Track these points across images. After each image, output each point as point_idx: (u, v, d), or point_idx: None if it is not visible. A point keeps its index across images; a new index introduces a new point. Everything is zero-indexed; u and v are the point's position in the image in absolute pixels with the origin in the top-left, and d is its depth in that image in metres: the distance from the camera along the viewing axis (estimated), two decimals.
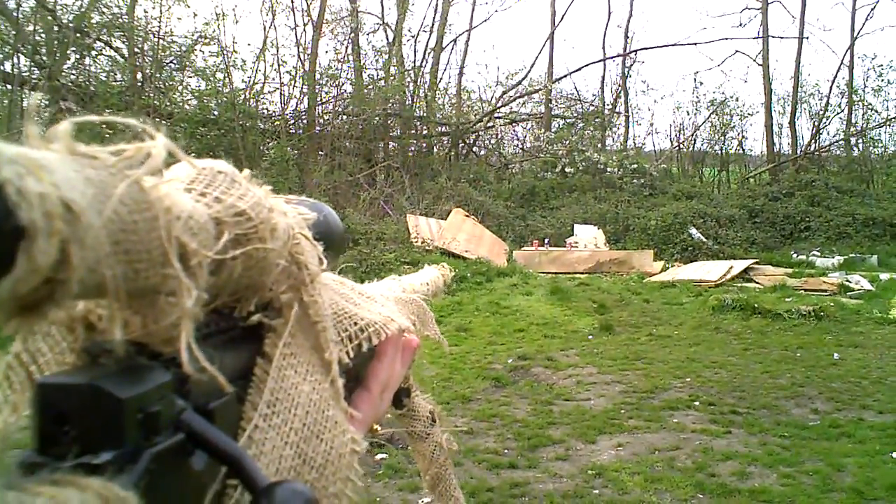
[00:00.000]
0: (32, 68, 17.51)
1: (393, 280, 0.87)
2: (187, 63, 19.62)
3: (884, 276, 13.44)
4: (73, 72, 18.40)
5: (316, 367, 0.53)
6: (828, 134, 26.56)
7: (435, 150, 24.08)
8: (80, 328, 0.40)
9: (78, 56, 18.55)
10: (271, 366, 0.50)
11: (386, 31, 24.29)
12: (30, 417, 0.37)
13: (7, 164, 0.29)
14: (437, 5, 25.05)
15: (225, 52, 19.38)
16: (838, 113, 26.53)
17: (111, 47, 19.08)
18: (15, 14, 17.01)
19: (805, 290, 12.32)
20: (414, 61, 24.60)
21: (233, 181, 0.44)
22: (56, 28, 17.71)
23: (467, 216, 16.36)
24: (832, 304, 10.93)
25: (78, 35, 17.74)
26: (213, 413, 0.44)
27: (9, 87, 17.33)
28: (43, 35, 17.72)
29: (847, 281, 12.96)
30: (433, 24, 25.05)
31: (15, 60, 17.37)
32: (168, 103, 18.74)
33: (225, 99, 18.66)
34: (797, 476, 5.18)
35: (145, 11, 19.54)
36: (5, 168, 0.29)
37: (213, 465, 0.42)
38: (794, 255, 16.51)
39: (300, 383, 0.51)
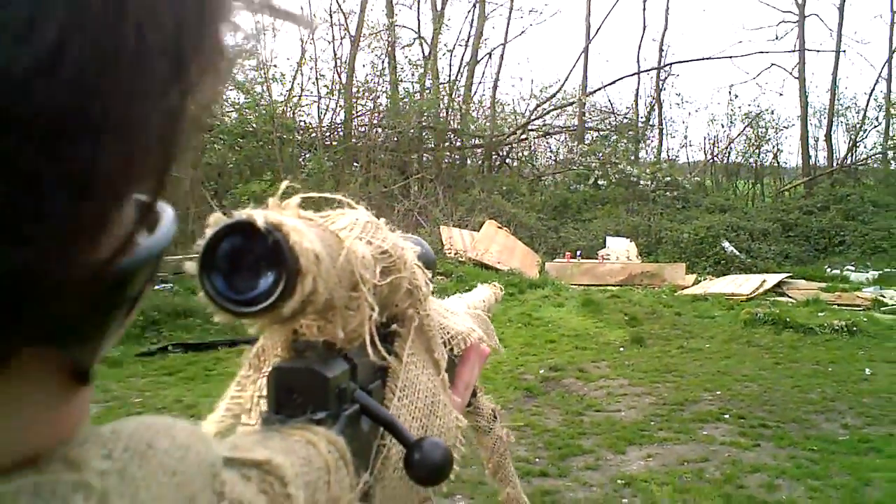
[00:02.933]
0: None
1: (459, 298, 1.04)
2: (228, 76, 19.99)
3: None
4: None
5: (429, 364, 0.72)
6: (865, 147, 26.47)
7: (468, 162, 24.29)
8: (291, 332, 0.59)
9: None
10: (401, 362, 0.68)
11: (422, 45, 24.60)
12: (266, 389, 0.56)
13: (292, 230, 0.47)
14: (472, 19, 25.35)
15: (264, 66, 19.78)
16: (875, 126, 26.42)
17: None
18: None
19: (838, 304, 12.30)
20: (449, 75, 24.92)
21: (377, 227, 0.62)
22: None
23: (500, 228, 16.52)
24: (866, 319, 10.93)
25: None
26: (371, 392, 0.62)
27: None
28: None
29: (881, 296, 12.89)
30: (469, 38, 25.33)
31: None
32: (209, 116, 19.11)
33: (264, 111, 19.03)
34: (825, 489, 5.26)
35: None
36: (292, 233, 0.46)
37: (374, 427, 0.61)
38: (828, 270, 16.42)
39: (420, 375, 0.70)
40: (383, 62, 22.52)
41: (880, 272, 15.75)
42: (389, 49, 22.68)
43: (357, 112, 21.30)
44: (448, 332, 0.81)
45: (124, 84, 0.24)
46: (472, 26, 25.32)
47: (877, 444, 6.14)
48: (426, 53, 24.20)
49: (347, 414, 0.57)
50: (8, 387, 0.27)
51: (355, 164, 20.71)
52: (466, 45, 25.35)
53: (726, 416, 6.90)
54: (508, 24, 26.96)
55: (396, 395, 0.67)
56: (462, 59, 25.33)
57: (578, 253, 16.40)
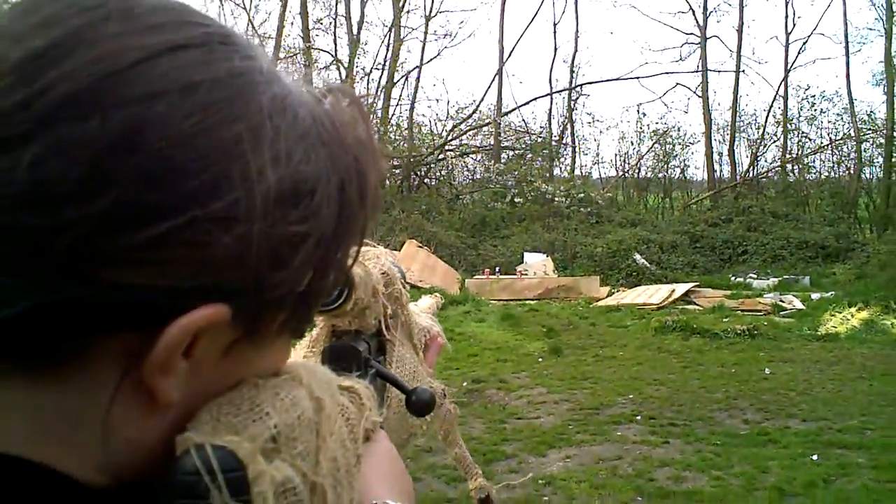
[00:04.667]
0: None
1: (414, 305, 1.37)
2: None
3: (815, 296, 14.21)
4: None
5: (410, 347, 1.07)
6: (765, 161, 27.65)
7: (388, 182, 24.54)
8: (332, 325, 0.94)
9: None
10: (394, 344, 1.02)
11: (339, 68, 24.84)
12: (321, 359, 0.87)
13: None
14: (388, 43, 25.69)
15: None
16: (774, 141, 27.63)
17: None
18: None
19: (742, 310, 13.03)
20: (366, 99, 25.14)
21: (378, 256, 0.96)
22: None
23: (420, 247, 16.78)
24: (766, 323, 11.66)
25: None
26: (380, 363, 0.95)
27: None
28: None
29: (781, 301, 13.72)
30: (385, 61, 25.66)
31: None
32: None
33: None
34: (726, 478, 5.72)
35: None
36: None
37: (382, 384, 0.93)
38: (733, 278, 17.27)
39: (405, 353, 1.04)
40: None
41: (780, 279, 16.67)
42: (306, 73, 22.78)
43: None
44: (419, 327, 1.14)
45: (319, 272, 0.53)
46: (388, 49, 25.69)
47: (774, 436, 6.67)
48: (343, 77, 24.43)
49: (371, 374, 0.90)
50: (282, 344, 0.57)
51: None
52: (383, 69, 25.72)
53: (638, 418, 7.34)
54: (424, 46, 27.43)
55: (393, 365, 1.01)
56: (379, 81, 25.69)
57: (497, 269, 16.76)
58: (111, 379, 0.46)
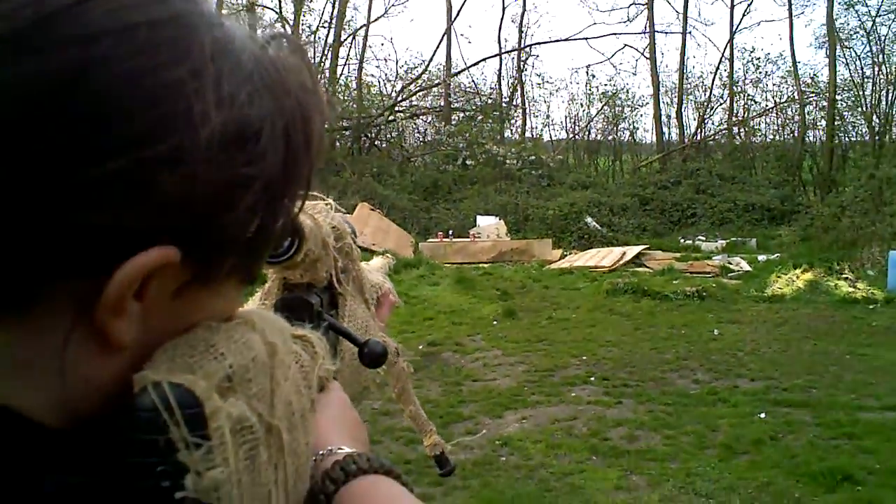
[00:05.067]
0: None
1: (365, 264, 1.37)
2: None
3: (761, 258, 14.55)
4: None
5: (361, 301, 1.07)
6: (712, 123, 28.02)
7: (338, 144, 24.33)
8: (283, 278, 0.93)
9: None
10: (346, 298, 1.02)
11: (284, 26, 24.33)
12: (273, 311, 0.84)
13: (303, 215, 0.78)
14: (334, 1, 25.26)
15: None
16: (721, 104, 27.98)
17: None
18: None
19: (690, 272, 13.29)
20: (313, 57, 24.77)
21: (328, 210, 0.95)
22: None
23: (373, 210, 16.73)
24: (714, 284, 11.91)
25: None
26: (333, 316, 0.95)
27: None
28: None
29: (728, 263, 14.02)
30: (332, 19, 25.26)
31: None
32: None
33: None
34: (678, 437, 5.87)
35: None
36: (303, 217, 0.79)
37: (334, 337, 0.93)
38: (682, 241, 17.57)
39: (357, 308, 1.04)
40: None
41: (727, 241, 17.03)
42: (251, 23, 22.34)
43: None
44: (370, 283, 1.13)
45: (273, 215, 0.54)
46: (334, 7, 25.27)
47: (723, 395, 6.85)
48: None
49: (323, 326, 0.89)
50: (234, 290, 0.57)
51: None
52: (329, 26, 25.31)
53: (592, 379, 7.47)
54: (371, 4, 27.12)
55: (345, 319, 1.01)
56: (326, 40, 25.30)
57: (450, 232, 16.83)
58: (66, 321, 0.47)
